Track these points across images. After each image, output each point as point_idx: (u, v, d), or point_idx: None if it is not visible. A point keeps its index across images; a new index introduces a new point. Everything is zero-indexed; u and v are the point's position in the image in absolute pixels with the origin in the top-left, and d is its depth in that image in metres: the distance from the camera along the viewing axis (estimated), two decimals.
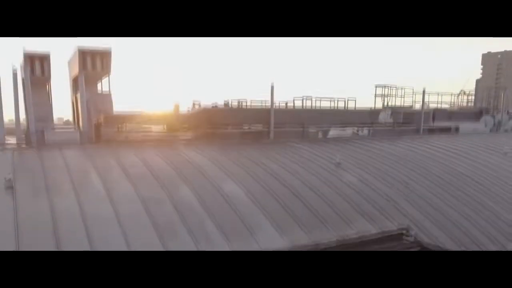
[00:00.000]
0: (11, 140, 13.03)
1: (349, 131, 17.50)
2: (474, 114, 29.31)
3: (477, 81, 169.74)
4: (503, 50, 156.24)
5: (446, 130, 20.54)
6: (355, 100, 24.67)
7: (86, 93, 15.92)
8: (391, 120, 18.58)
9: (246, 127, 15.01)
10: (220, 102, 16.00)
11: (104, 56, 15.83)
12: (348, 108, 17.61)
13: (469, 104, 36.16)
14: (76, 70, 16.44)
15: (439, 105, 29.54)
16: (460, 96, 31.09)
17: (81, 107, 15.37)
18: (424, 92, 19.87)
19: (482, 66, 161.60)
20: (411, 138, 18.19)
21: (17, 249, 6.75)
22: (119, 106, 15.53)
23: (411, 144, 16.39)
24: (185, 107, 16.59)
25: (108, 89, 16.61)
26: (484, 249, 10.14)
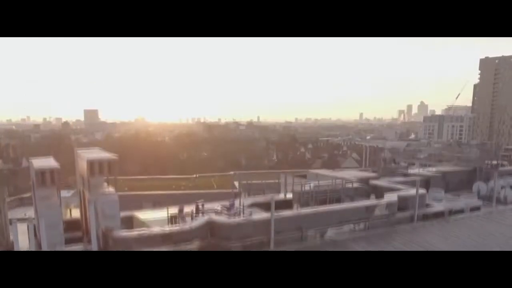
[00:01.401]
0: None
1: (346, 228, 18.21)
2: (468, 173, 30.23)
3: (475, 86, 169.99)
4: (500, 55, 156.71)
5: (440, 214, 21.28)
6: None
7: (93, 193, 16.58)
8: (386, 212, 19.30)
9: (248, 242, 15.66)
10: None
11: (111, 163, 16.42)
12: (346, 208, 18.33)
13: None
14: (83, 169, 17.04)
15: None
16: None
17: (89, 212, 16.07)
18: (418, 182, 20.52)
19: (479, 71, 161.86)
20: (403, 232, 19.07)
21: None
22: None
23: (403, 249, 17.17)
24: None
25: (113, 190, 17.30)
26: None
